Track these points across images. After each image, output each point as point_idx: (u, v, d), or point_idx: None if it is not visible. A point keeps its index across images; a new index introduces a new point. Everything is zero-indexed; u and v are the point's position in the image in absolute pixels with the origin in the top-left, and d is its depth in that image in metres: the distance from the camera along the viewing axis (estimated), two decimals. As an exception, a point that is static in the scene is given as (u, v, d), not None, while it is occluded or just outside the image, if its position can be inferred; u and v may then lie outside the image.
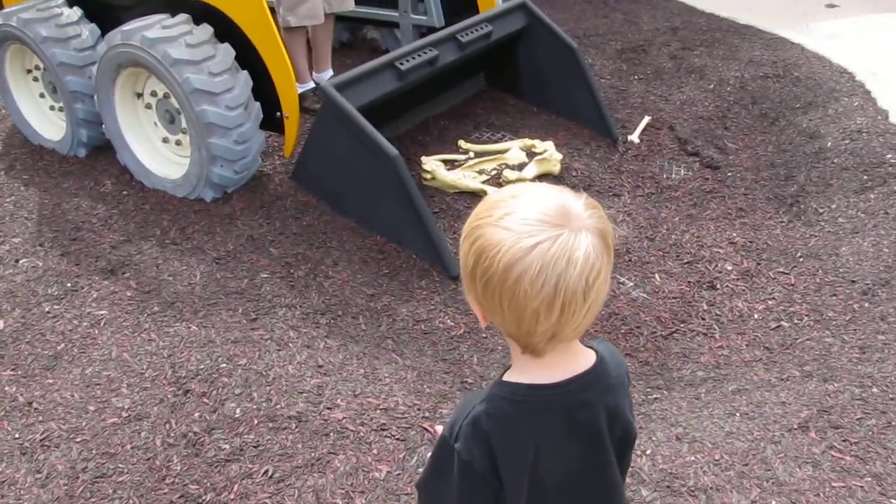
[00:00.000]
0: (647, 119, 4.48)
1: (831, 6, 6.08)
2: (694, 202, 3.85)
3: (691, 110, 4.59)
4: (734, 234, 3.61)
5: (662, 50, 5.27)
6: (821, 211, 3.64)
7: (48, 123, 4.39)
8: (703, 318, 3.14)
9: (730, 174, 4.05)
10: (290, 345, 2.83)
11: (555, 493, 1.20)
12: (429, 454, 2.34)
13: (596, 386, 1.19)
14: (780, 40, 5.31)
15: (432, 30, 4.50)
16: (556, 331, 1.09)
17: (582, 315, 1.08)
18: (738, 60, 5.04)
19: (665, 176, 4.05)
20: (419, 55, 3.78)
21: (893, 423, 2.38)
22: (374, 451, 2.36)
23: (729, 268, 3.40)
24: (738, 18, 5.76)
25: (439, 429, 1.51)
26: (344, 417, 2.47)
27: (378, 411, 2.51)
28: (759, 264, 3.42)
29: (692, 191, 3.93)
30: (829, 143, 4.03)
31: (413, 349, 2.94)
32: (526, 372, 1.17)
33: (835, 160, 3.91)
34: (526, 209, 1.07)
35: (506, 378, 1.20)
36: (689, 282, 3.33)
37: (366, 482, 2.25)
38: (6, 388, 2.67)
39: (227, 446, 2.37)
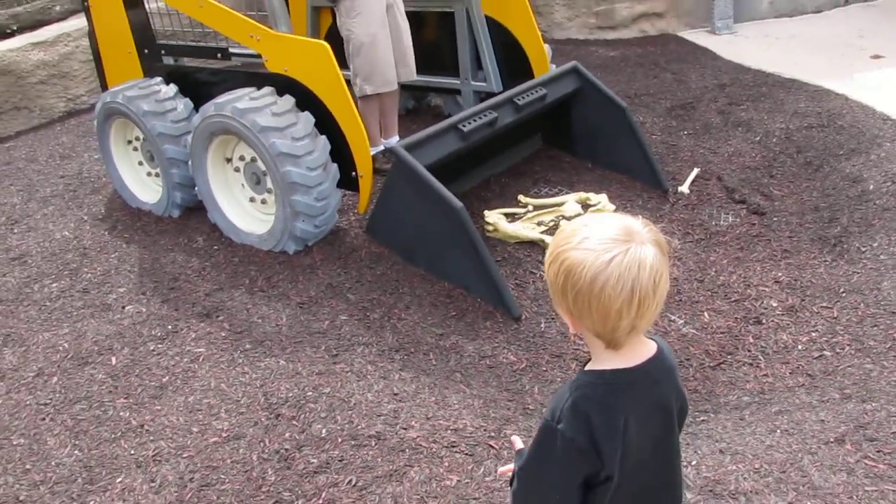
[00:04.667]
0: (696, 171, 4.74)
1: (877, 57, 6.29)
2: (741, 246, 4.08)
3: (739, 161, 4.83)
4: (779, 274, 3.83)
5: (710, 106, 5.56)
6: (863, 249, 3.83)
7: (145, 188, 4.87)
8: (749, 350, 3.35)
9: (775, 219, 4.27)
10: (369, 377, 3.14)
11: (639, 456, 1.45)
12: (496, 465, 2.62)
13: (661, 367, 1.47)
14: (824, 92, 5.54)
15: (491, 95, 4.85)
16: (635, 324, 1.36)
17: (654, 308, 1.36)
18: (783, 112, 5.28)
19: (714, 223, 4.29)
20: (480, 117, 4.13)
21: (926, 436, 2.56)
22: (446, 464, 2.63)
23: (774, 304, 3.61)
24: (783, 73, 6.02)
25: (515, 439, 1.79)
26: (418, 436, 2.76)
27: (448, 431, 2.79)
28: (803, 300, 3.62)
29: (739, 235, 4.16)
30: (872, 186, 4.24)
31: (479, 381, 3.21)
32: (607, 362, 1.44)
33: (877, 202, 4.11)
34: (598, 232, 1.35)
35: (589, 368, 1.47)
36: (736, 318, 3.55)
37: (438, 489, 2.53)
38: (121, 413, 3.04)
39: (315, 460, 2.67)
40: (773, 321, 3.51)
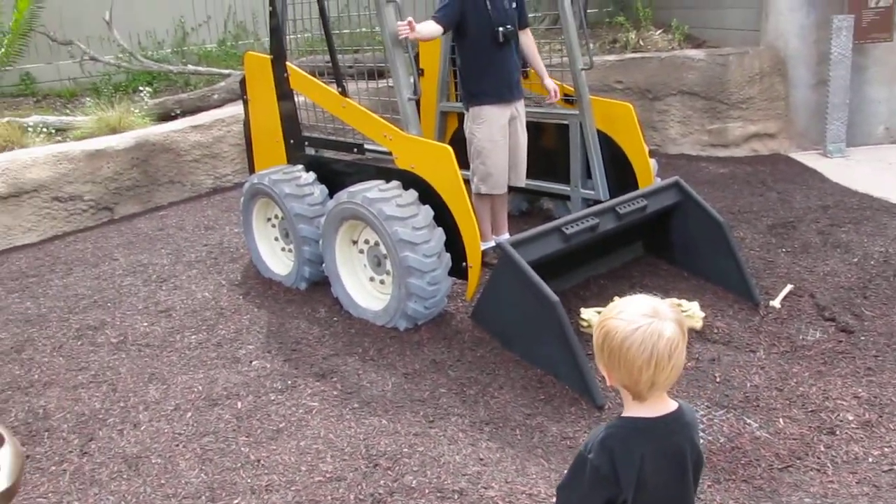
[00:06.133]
0: (789, 287, 4.94)
1: None
2: (825, 361, 4.25)
3: (833, 280, 5.02)
4: (860, 390, 3.98)
5: (811, 226, 5.77)
6: (947, 374, 3.96)
7: (278, 261, 5.44)
8: (818, 458, 3.53)
9: (863, 338, 4.43)
10: (459, 442, 3.50)
11: (653, 492, 1.81)
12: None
13: (679, 421, 1.86)
14: (929, 219, 5.69)
15: (598, 202, 5.23)
16: (654, 380, 1.76)
17: (669, 370, 1.75)
18: (884, 237, 5.45)
19: (801, 337, 4.49)
20: (583, 222, 4.49)
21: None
22: (518, 522, 2.95)
23: (850, 418, 3.77)
24: (890, 198, 6.17)
25: None
26: (496, 496, 3.08)
27: (524, 495, 3.10)
28: (880, 417, 3.77)
29: (824, 351, 4.34)
30: (964, 315, 4.36)
31: (558, 458, 3.51)
32: (635, 411, 1.85)
33: (967, 330, 4.24)
34: (632, 308, 1.79)
35: (625, 415, 1.87)
36: (811, 426, 3.73)
37: (509, 543, 2.84)
38: (242, 449, 3.52)
39: (404, 506, 3.04)
40: (846, 433, 3.67)
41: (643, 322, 1.73)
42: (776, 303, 4.79)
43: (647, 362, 1.72)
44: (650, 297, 1.83)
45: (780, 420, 3.78)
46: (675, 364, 1.74)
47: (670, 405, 1.85)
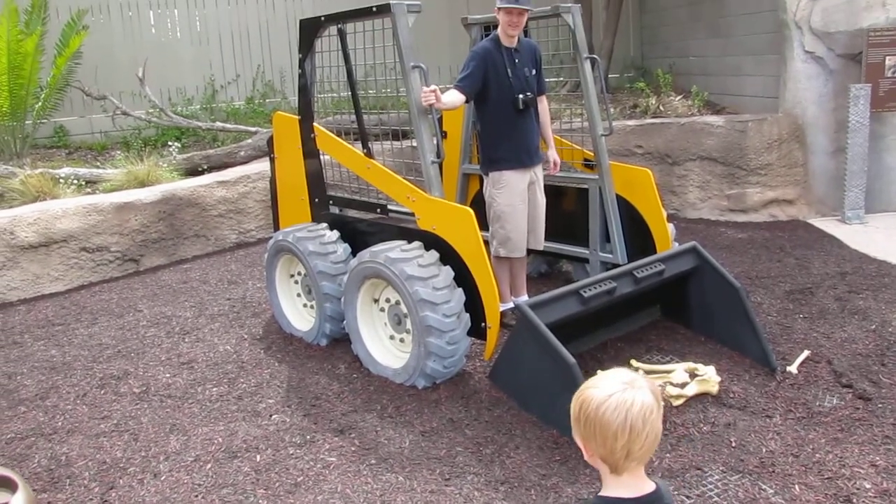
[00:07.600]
0: (806, 353, 4.96)
1: None
2: (842, 427, 4.26)
3: (851, 347, 5.03)
4: (878, 458, 3.98)
5: (829, 292, 5.80)
6: (965, 444, 3.95)
7: (300, 317, 5.53)
8: (834, 526, 3.52)
9: (880, 405, 4.43)
10: (474, 501, 3.52)
11: None
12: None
13: (658, 502, 1.87)
14: (948, 288, 5.70)
15: (616, 266, 5.30)
16: (629, 449, 1.77)
17: (643, 438, 1.77)
18: (902, 305, 5.47)
19: (817, 403, 4.49)
20: (600, 285, 4.56)
21: None
22: (532, 584, 2.96)
23: (867, 486, 3.77)
24: (908, 266, 6.22)
25: None
26: (510, 557, 3.11)
27: (538, 557, 3.12)
28: (898, 486, 3.76)
29: (841, 418, 4.34)
30: (979, 387, 4.36)
31: (572, 519, 3.53)
32: (614, 490, 1.86)
33: (984, 401, 4.23)
34: (608, 380, 1.83)
35: (602, 494, 1.90)
36: (827, 494, 3.73)
37: None
38: (260, 502, 3.57)
39: (419, 564, 3.06)
40: (863, 502, 3.66)
41: (618, 389, 1.77)
42: (793, 368, 4.81)
43: (622, 428, 1.74)
44: (627, 370, 1.87)
45: (796, 487, 3.78)
46: (650, 433, 1.77)
47: (649, 485, 1.87)
